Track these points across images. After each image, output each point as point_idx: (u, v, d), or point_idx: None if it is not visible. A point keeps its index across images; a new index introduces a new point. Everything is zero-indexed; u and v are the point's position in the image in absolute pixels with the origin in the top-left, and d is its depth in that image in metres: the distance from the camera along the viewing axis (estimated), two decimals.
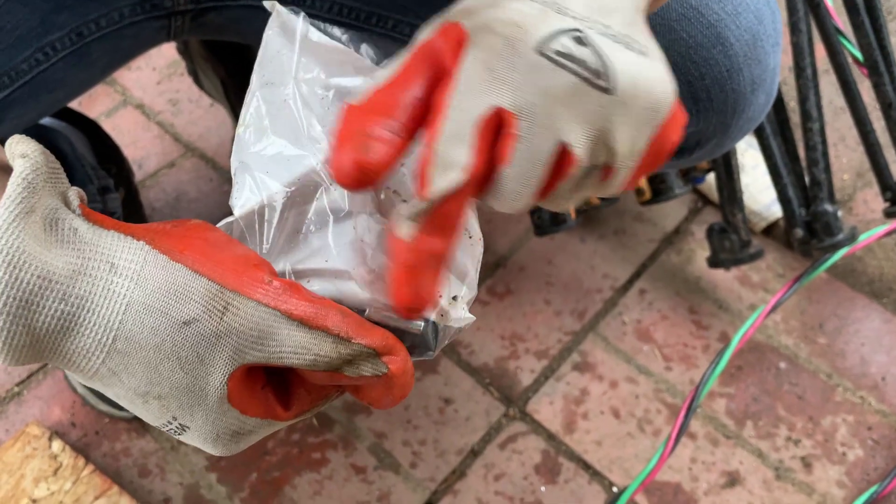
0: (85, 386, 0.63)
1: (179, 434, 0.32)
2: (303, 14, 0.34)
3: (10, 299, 0.27)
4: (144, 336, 0.29)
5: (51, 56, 0.47)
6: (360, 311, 0.31)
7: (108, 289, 0.28)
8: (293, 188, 0.31)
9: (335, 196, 0.32)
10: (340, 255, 0.31)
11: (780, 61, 0.46)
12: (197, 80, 0.74)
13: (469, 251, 0.33)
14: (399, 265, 0.28)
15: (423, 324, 0.31)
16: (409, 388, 0.33)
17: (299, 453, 0.63)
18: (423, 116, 0.27)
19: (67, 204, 0.30)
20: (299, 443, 0.63)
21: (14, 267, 0.27)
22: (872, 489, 0.62)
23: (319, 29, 0.34)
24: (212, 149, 0.80)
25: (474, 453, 0.64)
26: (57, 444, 0.60)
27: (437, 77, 0.27)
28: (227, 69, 0.68)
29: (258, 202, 0.32)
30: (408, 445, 0.64)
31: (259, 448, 0.62)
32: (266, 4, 0.35)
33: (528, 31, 0.26)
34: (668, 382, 0.68)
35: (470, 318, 0.33)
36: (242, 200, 0.32)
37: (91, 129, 0.65)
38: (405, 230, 0.27)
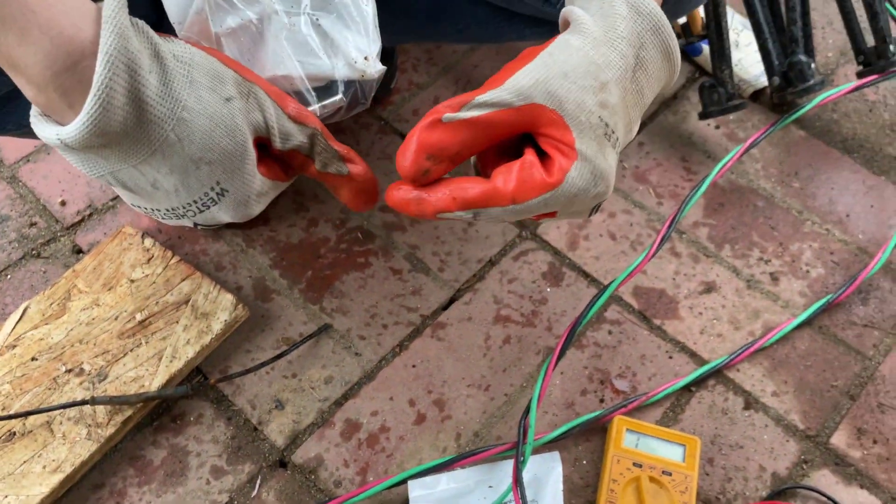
0: None
1: (214, 203, 0.42)
2: None
3: (118, 62, 0.34)
4: (201, 106, 0.37)
5: None
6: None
7: (175, 69, 0.37)
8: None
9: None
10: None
11: None
12: None
13: (368, 6, 0.43)
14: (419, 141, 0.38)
15: (340, 96, 0.43)
16: (373, 193, 0.45)
17: (346, 257, 0.75)
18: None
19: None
20: (346, 250, 0.76)
21: (123, 38, 0.34)
22: (828, 297, 0.73)
23: None
24: None
25: (492, 262, 0.76)
26: (148, 241, 0.73)
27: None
28: None
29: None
30: (436, 255, 0.76)
31: (312, 252, 0.75)
32: None
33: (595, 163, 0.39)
34: (659, 213, 0.80)
35: (382, 68, 0.44)
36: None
37: None
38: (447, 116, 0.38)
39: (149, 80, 0.35)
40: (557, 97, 0.37)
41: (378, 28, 0.42)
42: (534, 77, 0.37)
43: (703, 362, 0.70)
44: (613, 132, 0.38)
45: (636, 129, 0.42)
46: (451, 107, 0.38)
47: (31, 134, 0.42)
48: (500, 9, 0.67)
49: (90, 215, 0.77)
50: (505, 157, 0.41)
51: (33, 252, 0.74)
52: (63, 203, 0.77)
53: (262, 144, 0.41)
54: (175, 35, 0.42)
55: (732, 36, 0.90)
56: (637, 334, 0.72)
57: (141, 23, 0.37)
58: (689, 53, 0.90)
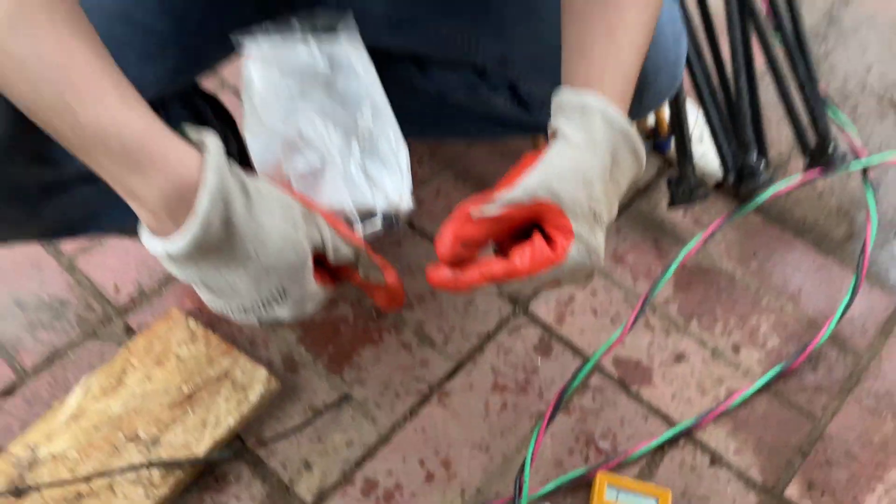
0: None
1: (277, 303, 0.51)
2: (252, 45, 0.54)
3: (217, 196, 0.45)
4: (275, 229, 0.47)
5: (206, 41, 0.69)
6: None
7: (258, 200, 0.47)
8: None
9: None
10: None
11: (684, 52, 0.68)
12: None
13: (403, 156, 0.55)
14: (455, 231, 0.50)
15: (379, 226, 0.54)
16: (401, 298, 0.55)
17: (363, 333, 0.86)
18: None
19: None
20: (362, 327, 0.87)
21: (221, 178, 0.46)
22: (782, 365, 0.84)
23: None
24: None
25: (489, 336, 0.87)
26: (192, 322, 0.84)
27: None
28: None
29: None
30: (441, 330, 0.87)
31: (333, 329, 0.86)
32: (237, 41, 0.55)
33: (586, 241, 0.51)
34: (635, 291, 0.91)
35: (412, 206, 0.55)
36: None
37: (215, 102, 0.90)
38: (483, 211, 0.50)
39: (238, 209, 0.47)
40: (557, 194, 0.49)
41: (410, 172, 0.54)
42: (538, 180, 0.49)
43: (674, 424, 0.81)
44: (600, 216, 0.50)
45: (615, 210, 0.54)
46: (476, 206, 0.50)
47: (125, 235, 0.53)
48: (492, 117, 0.80)
49: (140, 299, 0.88)
50: (517, 238, 0.53)
51: (91, 332, 0.85)
52: (116, 288, 0.89)
53: (318, 258, 0.53)
54: (256, 172, 0.54)
55: (697, 132, 1.03)
56: (617, 400, 0.83)
57: (233, 164, 0.49)
58: (658, 149, 1.03)
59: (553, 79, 0.69)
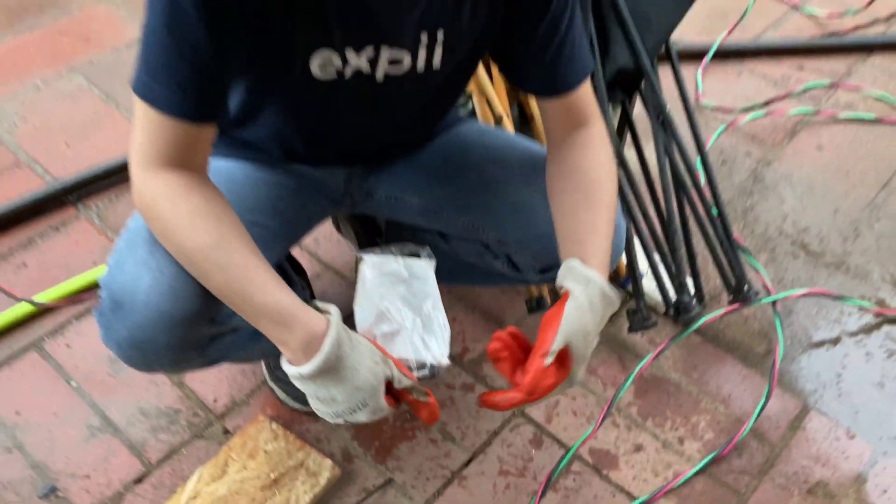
0: (284, 393, 1.16)
1: (359, 410, 0.82)
2: (368, 258, 0.86)
3: (335, 342, 0.74)
4: (364, 365, 0.77)
5: (299, 227, 1.02)
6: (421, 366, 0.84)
7: (357, 345, 0.77)
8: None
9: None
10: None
11: (622, 236, 0.99)
12: (337, 227, 1.32)
13: (447, 334, 0.85)
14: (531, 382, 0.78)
15: (427, 373, 0.84)
16: (437, 414, 0.83)
17: (401, 431, 1.15)
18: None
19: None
20: (400, 427, 1.16)
21: (338, 332, 0.75)
22: (715, 452, 1.13)
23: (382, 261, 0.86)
24: (342, 267, 1.37)
25: (496, 433, 1.16)
26: (274, 424, 1.13)
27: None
28: (362, 224, 1.26)
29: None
30: (459, 429, 1.16)
31: (378, 427, 1.15)
32: (361, 256, 0.87)
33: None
34: (605, 396, 1.21)
35: (448, 363, 0.85)
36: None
37: (292, 260, 1.22)
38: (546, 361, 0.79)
39: (345, 350, 0.76)
40: (571, 343, 0.78)
41: (449, 340, 0.85)
42: (564, 334, 0.78)
43: (633, 499, 1.08)
44: (587, 355, 0.80)
45: (596, 341, 0.82)
46: (542, 358, 0.77)
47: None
48: (494, 273, 1.12)
49: (233, 407, 1.17)
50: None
51: (198, 434, 1.14)
52: (215, 400, 1.18)
53: (387, 386, 0.82)
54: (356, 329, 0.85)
55: (650, 273, 1.35)
56: (592, 481, 1.11)
57: (344, 325, 0.79)
58: (620, 287, 1.35)
59: (534, 253, 1.00)
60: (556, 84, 0.86)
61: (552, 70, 0.85)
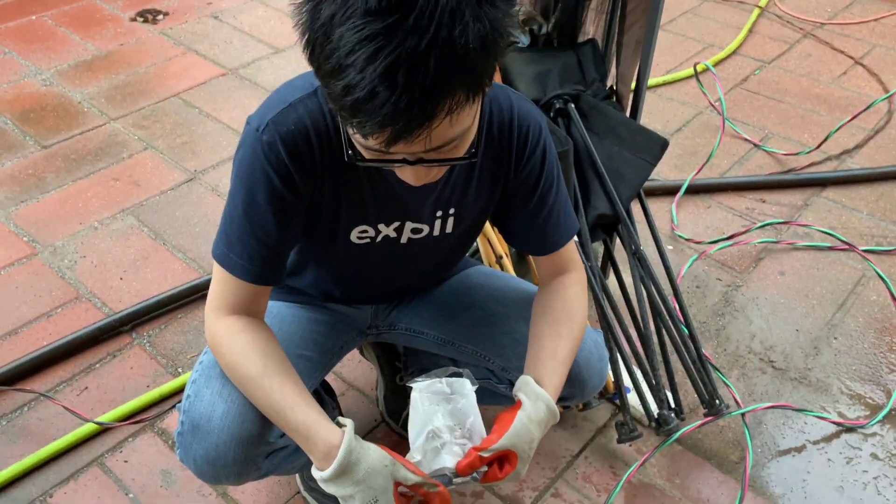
0: (316, 501, 1.32)
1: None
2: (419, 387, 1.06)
3: (348, 454, 0.91)
4: (378, 465, 0.95)
5: (333, 356, 1.23)
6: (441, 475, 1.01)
7: (370, 453, 0.94)
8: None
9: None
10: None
11: (606, 364, 1.19)
12: (361, 352, 1.52)
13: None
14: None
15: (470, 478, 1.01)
16: (449, 498, 0.99)
17: None
18: None
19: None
20: None
21: (350, 441, 0.93)
22: None
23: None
24: (363, 386, 1.56)
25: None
26: None
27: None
28: (383, 349, 1.46)
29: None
30: None
31: None
32: (411, 385, 1.07)
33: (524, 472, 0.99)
34: (598, 502, 1.36)
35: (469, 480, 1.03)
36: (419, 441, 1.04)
37: (324, 383, 1.41)
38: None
39: (357, 457, 0.95)
40: (516, 447, 0.96)
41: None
42: (510, 439, 0.95)
43: None
44: (531, 456, 0.97)
45: (537, 443, 0.99)
46: (481, 449, 0.95)
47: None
48: (497, 394, 1.30)
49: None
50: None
51: None
52: None
53: (400, 485, 0.99)
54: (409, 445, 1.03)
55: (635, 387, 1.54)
56: None
57: (357, 436, 0.96)
58: (610, 400, 1.53)
59: None
60: (544, 245, 1.09)
61: (542, 234, 1.08)
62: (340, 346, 1.23)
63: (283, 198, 0.92)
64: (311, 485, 1.34)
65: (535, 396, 0.99)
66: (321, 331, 1.17)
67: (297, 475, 1.36)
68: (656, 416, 1.40)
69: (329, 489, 0.94)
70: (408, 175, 0.84)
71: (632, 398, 1.49)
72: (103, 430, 1.45)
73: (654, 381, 1.43)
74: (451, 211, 1.03)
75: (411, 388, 1.00)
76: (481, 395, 1.37)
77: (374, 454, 0.93)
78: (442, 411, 0.97)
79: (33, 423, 1.46)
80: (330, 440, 0.92)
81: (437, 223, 1.05)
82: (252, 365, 0.95)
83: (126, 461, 1.40)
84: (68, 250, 1.88)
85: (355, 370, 1.60)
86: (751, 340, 1.70)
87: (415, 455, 0.97)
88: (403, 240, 1.05)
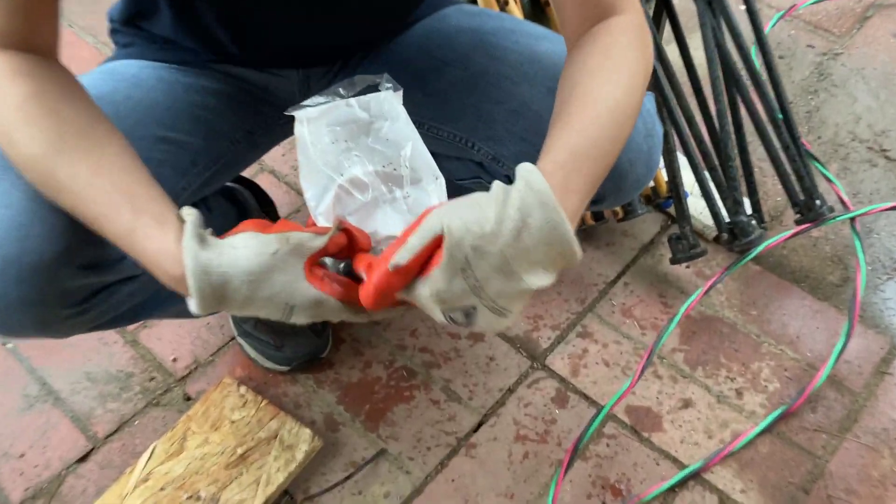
0: (255, 350, 0.97)
1: (291, 316, 0.56)
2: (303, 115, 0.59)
3: (196, 273, 0.51)
4: (259, 268, 0.52)
5: (236, 145, 0.81)
6: None
7: (236, 255, 0.52)
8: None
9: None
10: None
11: (658, 143, 0.74)
12: None
13: (441, 184, 0.59)
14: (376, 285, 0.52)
15: None
16: (382, 287, 0.54)
17: (395, 392, 0.95)
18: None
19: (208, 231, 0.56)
20: (395, 386, 0.96)
21: (195, 259, 0.51)
22: (783, 407, 0.91)
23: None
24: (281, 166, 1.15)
25: (510, 391, 0.95)
26: (243, 388, 0.93)
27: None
28: None
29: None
30: (466, 386, 0.96)
31: (368, 389, 0.95)
32: (293, 113, 0.59)
33: (453, 299, 0.50)
34: (643, 342, 0.99)
35: None
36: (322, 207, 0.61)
37: (254, 187, 1.01)
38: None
39: (225, 270, 0.52)
40: (448, 226, 0.50)
41: (446, 197, 0.60)
42: (436, 216, 0.51)
43: (683, 467, 0.88)
44: (473, 273, 0.51)
45: (527, 276, 0.52)
46: (391, 258, 0.51)
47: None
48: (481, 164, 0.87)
49: (196, 368, 0.98)
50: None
51: (154, 402, 0.96)
52: (174, 360, 0.99)
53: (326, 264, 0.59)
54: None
55: (696, 189, 1.12)
56: (630, 445, 0.90)
57: (211, 238, 0.54)
58: (660, 208, 1.11)
59: None
60: None
61: None
62: (249, 132, 0.81)
63: None
64: (246, 328, 0.98)
65: (525, 172, 0.53)
66: (208, 104, 0.75)
67: (230, 316, 1.01)
68: (729, 225, 0.98)
69: (230, 311, 0.57)
70: None
71: (692, 203, 1.07)
72: None
73: (725, 179, 1.01)
74: None
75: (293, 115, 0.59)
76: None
77: (247, 252, 0.54)
78: (353, 150, 0.57)
79: None
80: (165, 255, 0.54)
81: None
82: (37, 133, 0.54)
83: None
84: None
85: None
86: (855, 124, 1.24)
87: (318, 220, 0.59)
88: None
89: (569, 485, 0.87)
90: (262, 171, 1.20)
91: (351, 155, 0.59)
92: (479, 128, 0.75)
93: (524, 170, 0.52)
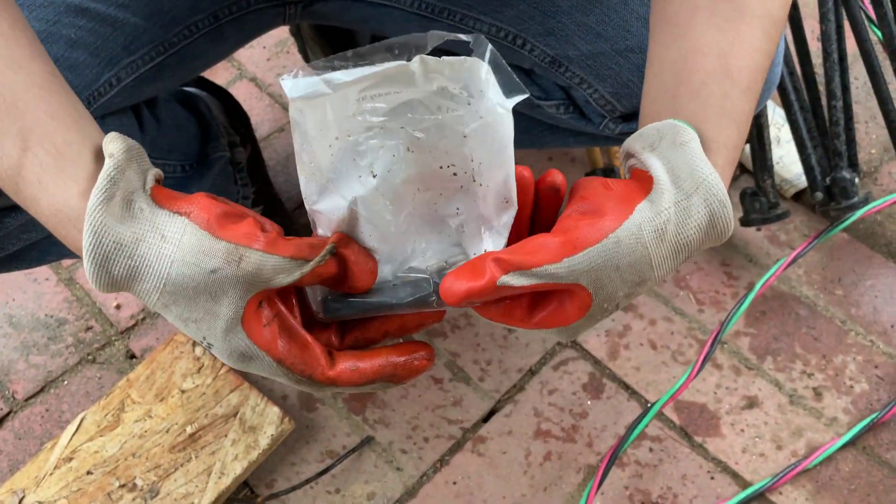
0: None
1: (210, 349, 0.41)
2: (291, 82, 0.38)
3: (96, 256, 0.37)
4: (184, 282, 0.38)
5: (195, 32, 0.60)
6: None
7: (160, 252, 0.37)
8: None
9: None
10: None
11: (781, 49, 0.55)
12: (306, 58, 0.88)
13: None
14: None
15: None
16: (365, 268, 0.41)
17: None
18: None
19: (145, 183, 0.38)
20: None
21: (97, 235, 0.37)
22: (873, 416, 0.73)
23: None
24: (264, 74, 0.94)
25: (532, 372, 0.77)
26: (199, 349, 0.75)
27: None
28: (334, 49, 0.82)
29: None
30: (477, 363, 0.77)
31: None
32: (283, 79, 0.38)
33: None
34: (700, 322, 0.80)
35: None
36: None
37: (224, 97, 0.80)
38: None
39: (127, 264, 0.37)
40: (601, 286, 0.38)
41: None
42: (591, 264, 0.37)
43: (745, 484, 0.70)
44: (614, 307, 0.40)
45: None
46: (504, 269, 0.37)
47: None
48: (543, 122, 0.68)
49: (143, 319, 0.80)
50: None
51: (89, 357, 0.77)
52: (118, 307, 0.80)
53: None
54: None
55: (774, 131, 0.90)
56: (678, 452, 0.72)
57: (140, 200, 0.38)
58: None
59: (615, 84, 0.58)
60: None
61: None
62: (213, 15, 0.60)
63: None
64: None
65: (692, 183, 0.38)
66: None
67: None
68: (829, 182, 0.78)
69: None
70: None
71: (776, 151, 0.86)
72: None
73: (829, 122, 0.79)
74: None
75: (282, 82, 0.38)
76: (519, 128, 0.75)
77: (177, 254, 0.38)
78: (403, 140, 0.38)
79: None
80: (61, 216, 0.39)
81: None
82: None
83: None
84: None
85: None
86: None
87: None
88: None
89: (600, 497, 0.69)
90: (242, 79, 0.98)
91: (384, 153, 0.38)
92: (533, 20, 0.55)
93: (708, 178, 0.39)
